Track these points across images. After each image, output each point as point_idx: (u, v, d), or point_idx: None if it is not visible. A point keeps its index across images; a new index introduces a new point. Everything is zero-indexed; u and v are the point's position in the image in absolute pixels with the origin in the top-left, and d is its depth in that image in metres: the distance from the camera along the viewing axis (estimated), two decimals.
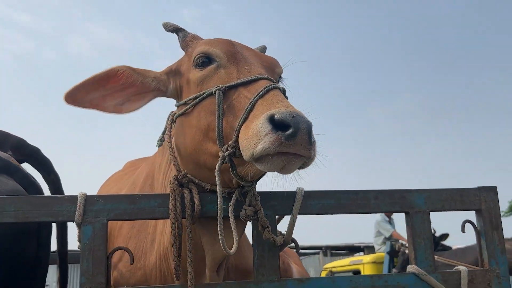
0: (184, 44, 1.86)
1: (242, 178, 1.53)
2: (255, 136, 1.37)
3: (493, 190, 1.90)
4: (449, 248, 8.04)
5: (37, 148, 2.51)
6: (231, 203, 1.57)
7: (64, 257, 2.34)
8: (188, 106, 1.67)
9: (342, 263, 9.36)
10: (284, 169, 1.42)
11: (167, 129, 1.83)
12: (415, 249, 1.76)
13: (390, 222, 8.63)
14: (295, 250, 1.81)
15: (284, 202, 1.70)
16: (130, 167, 3.02)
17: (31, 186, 2.09)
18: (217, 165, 1.50)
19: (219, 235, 1.51)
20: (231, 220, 1.56)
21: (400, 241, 7.90)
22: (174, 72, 1.85)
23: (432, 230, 8.85)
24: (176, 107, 1.83)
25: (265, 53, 2.00)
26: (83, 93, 1.76)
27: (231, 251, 1.52)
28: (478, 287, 1.78)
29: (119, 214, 1.57)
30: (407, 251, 7.32)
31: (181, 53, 1.89)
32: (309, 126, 1.36)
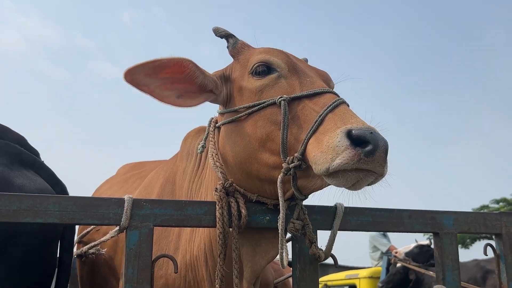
0: (235, 51, 1.80)
1: (300, 191, 1.52)
2: (332, 151, 1.35)
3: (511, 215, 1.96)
4: None
5: (35, 149, 2.45)
6: (280, 216, 1.54)
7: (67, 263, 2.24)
8: (242, 114, 1.63)
9: (337, 277, 9.34)
10: (356, 185, 1.42)
11: (210, 135, 1.78)
12: (443, 270, 1.79)
13: (385, 235, 8.69)
14: (335, 264, 1.79)
15: (325, 217, 1.69)
16: (131, 171, 2.95)
17: (57, 185, 2.04)
18: (279, 176, 1.48)
19: (279, 248, 1.48)
20: (281, 228, 1.51)
21: (393, 254, 7.90)
22: (226, 78, 1.79)
23: (429, 242, 9.02)
24: (219, 114, 1.79)
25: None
26: (142, 74, 1.67)
27: (284, 264, 1.49)
28: None
29: (166, 220, 1.52)
30: (398, 264, 7.51)
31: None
32: (386, 144, 1.38)
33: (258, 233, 1.65)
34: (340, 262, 1.80)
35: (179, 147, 2.26)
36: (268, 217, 1.61)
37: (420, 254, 7.89)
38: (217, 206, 1.56)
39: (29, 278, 1.82)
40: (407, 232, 1.86)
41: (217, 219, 1.54)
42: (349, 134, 1.34)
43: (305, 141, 1.45)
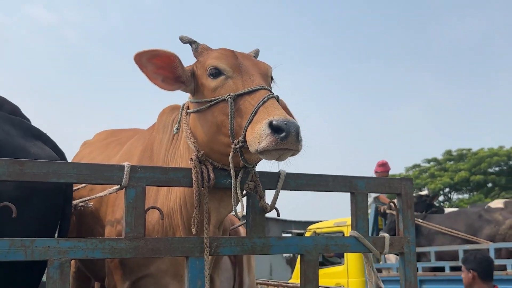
0: (197, 53, 2.28)
1: (247, 162, 2.00)
2: (258, 137, 1.83)
3: (410, 180, 2.50)
4: (442, 211, 8.49)
5: (26, 117, 2.76)
6: (237, 179, 2.03)
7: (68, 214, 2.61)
8: (203, 106, 2.11)
9: (326, 225, 9.56)
10: (279, 159, 1.91)
11: (183, 119, 2.24)
12: (356, 219, 2.30)
13: None
14: (277, 215, 2.30)
15: (271, 180, 2.17)
16: (110, 137, 3.38)
17: (59, 153, 2.43)
18: (230, 153, 1.96)
19: (233, 203, 2.00)
20: (238, 192, 2.01)
21: (388, 202, 8.01)
22: (193, 74, 2.24)
23: (428, 192, 9.19)
24: (190, 101, 2.26)
25: (258, 57, 2.42)
26: (145, 58, 2.13)
27: (239, 212, 2.03)
28: (395, 248, 2.37)
29: (154, 181, 1.99)
30: (388, 211, 7.67)
31: None
32: (297, 129, 1.81)
33: (222, 191, 2.13)
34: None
35: (155, 119, 2.72)
36: (229, 180, 2.06)
37: (419, 204, 8.10)
38: (193, 171, 2.01)
39: (45, 226, 2.19)
40: (331, 191, 2.33)
41: (193, 181, 2.00)
42: (270, 124, 1.80)
43: (245, 128, 1.92)
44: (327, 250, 2.26)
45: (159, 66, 2.16)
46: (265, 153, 1.85)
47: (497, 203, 7.77)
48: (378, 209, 8.22)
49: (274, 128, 1.80)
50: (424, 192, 9.30)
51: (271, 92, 2.06)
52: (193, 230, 2.04)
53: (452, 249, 6.88)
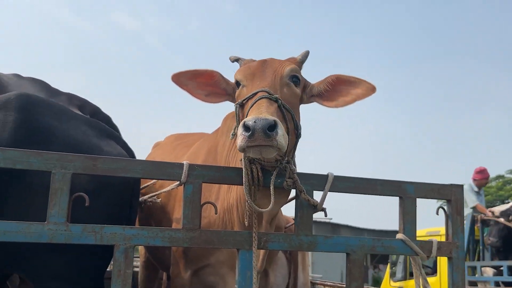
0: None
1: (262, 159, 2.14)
2: (238, 136, 1.97)
3: (460, 187, 2.51)
4: None
5: (108, 116, 2.99)
6: (273, 176, 2.17)
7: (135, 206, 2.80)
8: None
9: (418, 234, 9.41)
10: (263, 155, 1.99)
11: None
12: (404, 223, 2.36)
13: (479, 193, 8.58)
14: (324, 215, 2.41)
15: (319, 182, 2.28)
16: (177, 140, 3.66)
17: (129, 152, 2.66)
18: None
19: (272, 198, 2.11)
20: (271, 186, 2.14)
21: (485, 212, 7.95)
22: (234, 90, 2.44)
23: None
24: None
25: (300, 58, 2.52)
26: (185, 78, 2.39)
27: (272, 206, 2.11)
28: (443, 253, 2.42)
29: (210, 179, 2.17)
30: (499, 220, 7.62)
31: None
32: (263, 127, 1.87)
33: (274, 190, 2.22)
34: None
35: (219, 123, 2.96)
36: (279, 180, 2.20)
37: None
38: (243, 170, 2.17)
39: (114, 216, 2.38)
40: (379, 195, 2.37)
41: (243, 180, 2.16)
42: (244, 124, 1.92)
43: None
44: (374, 251, 2.34)
45: (202, 83, 2.41)
46: (245, 151, 1.98)
47: None
48: (475, 218, 8.02)
49: (245, 128, 1.91)
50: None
51: (269, 93, 2.14)
52: (246, 223, 2.20)
53: None
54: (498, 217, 7.73)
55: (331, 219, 19.98)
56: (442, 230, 8.56)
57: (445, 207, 2.53)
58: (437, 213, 2.51)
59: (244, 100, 2.20)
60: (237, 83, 2.36)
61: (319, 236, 2.26)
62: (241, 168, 2.20)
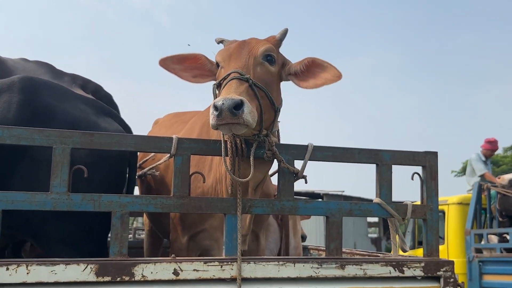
0: None
1: (238, 135, 2.26)
2: (210, 116, 2.10)
3: (434, 154, 2.62)
4: None
5: (109, 94, 3.15)
6: (252, 149, 2.33)
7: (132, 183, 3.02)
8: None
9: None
10: (233, 132, 2.15)
11: None
12: (380, 188, 2.50)
13: (486, 162, 8.62)
14: (305, 182, 2.57)
15: (300, 152, 2.43)
16: (175, 118, 3.85)
17: (126, 128, 2.84)
18: None
19: (251, 168, 2.27)
20: (251, 157, 2.30)
21: (495, 180, 7.95)
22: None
23: None
24: None
25: (279, 36, 2.62)
26: (171, 62, 2.56)
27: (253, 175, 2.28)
28: (418, 215, 2.56)
29: (198, 151, 2.35)
30: (492, 191, 7.75)
31: None
32: (229, 106, 2.01)
33: (256, 160, 2.37)
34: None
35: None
36: (262, 151, 2.37)
37: None
38: (228, 143, 2.33)
39: (112, 186, 2.55)
40: (357, 162, 2.51)
41: (228, 151, 2.33)
42: (214, 105, 2.05)
43: None
44: (351, 214, 2.48)
45: (188, 66, 2.56)
46: (219, 128, 2.13)
47: None
48: (482, 187, 8.03)
49: (215, 107, 2.06)
50: None
51: (240, 73, 2.27)
52: (229, 191, 2.39)
53: None
54: (504, 186, 7.72)
55: (343, 191, 20.10)
56: (450, 199, 8.83)
57: (419, 173, 2.65)
58: (412, 179, 2.64)
59: (220, 80, 2.32)
60: (217, 64, 2.50)
61: (300, 201, 2.44)
62: (226, 141, 2.35)
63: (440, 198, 8.74)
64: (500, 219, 7.91)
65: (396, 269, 2.38)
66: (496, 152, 8.92)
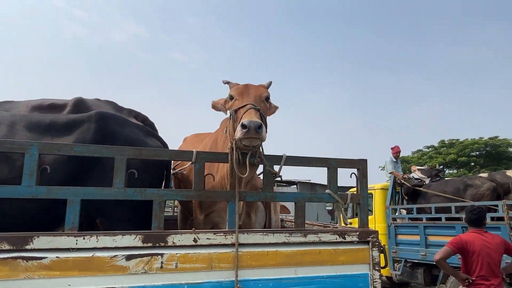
0: (230, 89, 2.58)
1: (246, 146, 2.20)
2: (237, 132, 2.09)
3: (364, 160, 2.59)
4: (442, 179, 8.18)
5: (152, 122, 3.08)
6: (248, 156, 2.29)
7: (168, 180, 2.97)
8: (230, 116, 2.40)
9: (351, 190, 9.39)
10: (251, 144, 2.12)
11: (229, 124, 2.56)
12: (330, 183, 2.48)
13: (396, 162, 8.54)
14: (280, 179, 2.56)
15: (277, 160, 2.40)
16: (196, 137, 3.81)
17: (164, 144, 2.81)
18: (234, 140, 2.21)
19: (240, 171, 2.24)
20: (247, 162, 2.26)
21: (399, 177, 7.96)
22: (226, 101, 2.55)
23: (438, 166, 9.09)
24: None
25: (267, 85, 2.58)
26: (213, 108, 2.60)
27: (248, 174, 2.27)
28: (354, 200, 2.54)
29: (210, 159, 2.34)
30: (410, 181, 7.72)
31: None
32: (256, 125, 2.02)
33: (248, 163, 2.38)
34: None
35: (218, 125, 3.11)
36: (251, 160, 2.34)
37: (428, 171, 8.01)
38: (229, 155, 2.32)
39: (155, 183, 2.54)
40: (315, 167, 2.48)
41: (229, 160, 2.32)
42: (242, 124, 2.05)
43: (237, 127, 2.13)
44: (311, 200, 2.47)
45: (217, 108, 2.58)
46: (241, 141, 2.08)
47: (484, 174, 7.34)
48: (395, 178, 8.03)
49: (243, 126, 2.04)
50: (433, 166, 9.06)
51: (254, 105, 2.24)
52: (228, 187, 2.38)
53: (447, 205, 6.67)
54: (405, 178, 7.89)
55: (310, 180, 19.85)
56: (376, 185, 8.72)
57: (355, 173, 2.63)
58: (351, 177, 2.64)
59: (238, 108, 2.28)
60: (231, 97, 2.42)
61: (277, 192, 2.44)
62: (228, 153, 2.34)
63: (369, 185, 8.72)
64: (405, 197, 8.08)
65: (340, 236, 2.36)
66: (407, 154, 9.03)
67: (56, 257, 1.89)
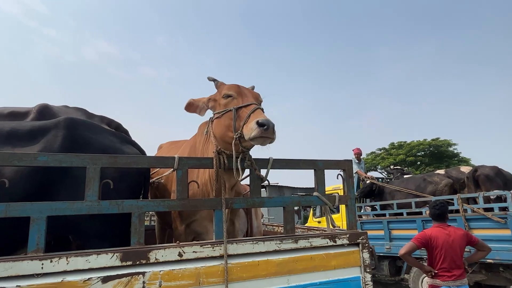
0: (217, 87, 2.31)
1: (244, 147, 1.99)
2: (250, 129, 1.84)
3: (350, 161, 2.39)
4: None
5: (126, 129, 2.70)
6: (239, 160, 2.02)
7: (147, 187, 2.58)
8: (219, 115, 2.12)
9: (328, 189, 9.14)
10: (263, 144, 1.89)
11: (210, 126, 2.25)
12: (318, 185, 2.23)
13: (359, 163, 8.56)
14: (268, 183, 2.27)
15: (264, 163, 2.13)
16: (172, 144, 3.41)
17: (141, 151, 2.42)
18: (233, 141, 1.97)
19: (235, 176, 1.99)
20: (239, 167, 2.00)
21: (362, 176, 8.05)
22: (212, 100, 2.26)
23: (392, 167, 9.12)
24: (213, 114, 2.26)
25: (254, 89, 2.37)
26: (186, 109, 2.27)
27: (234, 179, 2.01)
28: (342, 202, 2.30)
29: (193, 165, 1.99)
30: (367, 182, 7.78)
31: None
32: (273, 125, 1.83)
33: (231, 170, 2.09)
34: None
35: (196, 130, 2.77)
36: (241, 163, 2.07)
37: (394, 172, 8.25)
38: (214, 159, 2.02)
39: (132, 193, 2.16)
40: (302, 169, 2.20)
41: (214, 165, 2.02)
42: (257, 122, 1.82)
43: (242, 126, 1.93)
44: (300, 204, 2.23)
45: (191, 107, 2.27)
46: (254, 139, 1.84)
47: (441, 171, 7.44)
48: (360, 179, 8.16)
49: (260, 124, 1.81)
50: (397, 167, 9.26)
51: (258, 105, 2.05)
52: (213, 194, 2.06)
53: (408, 201, 6.70)
54: (366, 177, 8.03)
55: (278, 183, 19.84)
56: (341, 185, 8.66)
57: (342, 174, 2.43)
58: (337, 178, 2.43)
59: (241, 106, 2.02)
60: (227, 95, 2.14)
61: (266, 197, 2.13)
62: (212, 157, 2.04)
63: (335, 186, 8.82)
64: (357, 195, 8.09)
65: (331, 240, 2.10)
66: (363, 156, 9.16)
67: (17, 286, 1.47)
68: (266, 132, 1.79)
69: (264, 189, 15.68)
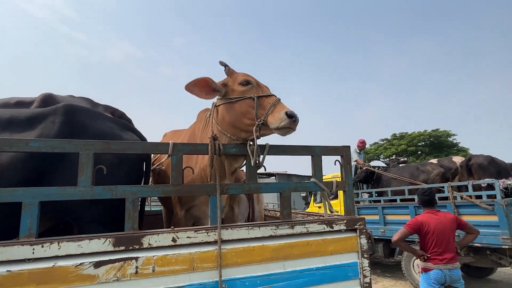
0: (228, 73, 2.14)
1: (261, 134, 1.90)
2: (279, 119, 1.79)
3: (348, 147, 2.21)
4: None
5: (129, 118, 2.63)
6: (255, 144, 1.90)
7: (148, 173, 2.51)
8: (233, 100, 1.99)
9: (328, 176, 9.08)
10: (285, 134, 1.85)
11: (213, 111, 2.12)
12: (315, 171, 2.08)
13: (360, 153, 8.41)
14: (264, 170, 2.13)
15: (261, 149, 1.97)
16: (175, 133, 3.27)
17: (141, 138, 2.31)
18: (254, 127, 1.87)
19: (251, 158, 1.89)
20: (254, 152, 1.89)
21: (360, 164, 7.90)
22: (224, 85, 2.11)
23: (398, 157, 9.00)
24: (218, 100, 2.11)
25: None
26: (191, 86, 1.99)
27: (235, 165, 1.92)
28: (340, 188, 2.15)
29: (188, 151, 1.86)
30: (363, 168, 7.65)
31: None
32: (298, 118, 1.81)
33: (233, 156, 1.99)
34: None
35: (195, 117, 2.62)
36: (234, 150, 1.93)
37: (391, 161, 8.12)
38: (209, 145, 1.89)
39: (131, 179, 2.05)
40: (300, 155, 2.05)
41: (209, 151, 1.88)
42: (286, 113, 1.79)
43: (266, 114, 1.86)
44: (297, 190, 2.06)
45: (201, 87, 2.03)
46: (282, 129, 1.82)
47: (434, 160, 7.28)
48: (357, 167, 7.99)
49: (289, 115, 1.79)
50: (394, 157, 9.03)
51: (278, 97, 1.97)
52: (209, 179, 1.93)
53: (401, 188, 6.64)
54: (364, 165, 7.84)
55: (287, 171, 19.49)
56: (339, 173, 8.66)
57: (340, 160, 2.25)
58: (335, 164, 2.25)
59: (262, 96, 1.95)
60: (246, 82, 2.02)
61: (261, 183, 1.99)
62: (208, 143, 1.89)
63: (334, 173, 8.70)
64: (355, 181, 7.96)
65: (328, 225, 1.95)
66: (366, 146, 8.94)
67: (7, 271, 1.37)
68: (294, 124, 1.80)
69: (274, 177, 15.48)
